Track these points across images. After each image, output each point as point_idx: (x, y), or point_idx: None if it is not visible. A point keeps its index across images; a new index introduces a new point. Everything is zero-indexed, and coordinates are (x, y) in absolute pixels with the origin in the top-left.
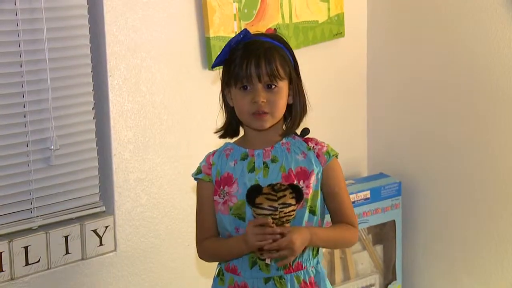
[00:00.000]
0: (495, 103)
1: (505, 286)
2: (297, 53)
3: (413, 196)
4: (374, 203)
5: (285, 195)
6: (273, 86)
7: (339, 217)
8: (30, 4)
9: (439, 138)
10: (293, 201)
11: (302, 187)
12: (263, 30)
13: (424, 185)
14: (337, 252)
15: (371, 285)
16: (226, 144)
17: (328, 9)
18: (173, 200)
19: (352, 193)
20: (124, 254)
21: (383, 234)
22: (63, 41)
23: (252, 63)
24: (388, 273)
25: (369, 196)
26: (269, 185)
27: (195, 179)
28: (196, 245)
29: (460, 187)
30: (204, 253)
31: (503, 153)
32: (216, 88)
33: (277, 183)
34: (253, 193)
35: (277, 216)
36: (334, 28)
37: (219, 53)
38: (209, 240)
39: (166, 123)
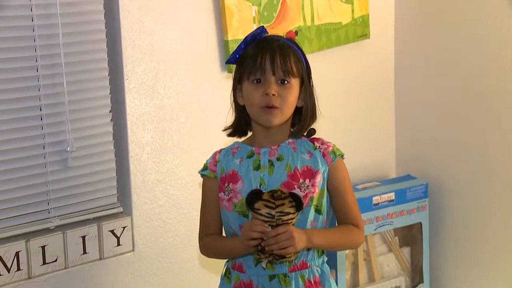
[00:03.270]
0: None
1: None
2: (320, 55)
3: (441, 198)
4: (399, 205)
5: (283, 204)
6: (286, 82)
7: (343, 218)
8: (46, 9)
9: (466, 140)
10: (292, 210)
11: (308, 187)
12: (284, 32)
13: (451, 187)
14: (361, 254)
15: (397, 287)
16: (235, 143)
17: (352, 10)
18: (190, 201)
19: (376, 195)
20: (142, 255)
21: (410, 236)
22: (80, 46)
23: (267, 56)
24: (416, 275)
25: (393, 198)
26: (270, 191)
27: (201, 175)
28: (198, 240)
29: (488, 189)
30: (206, 249)
31: None
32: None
33: (278, 190)
34: (253, 197)
35: (274, 224)
36: (359, 30)
37: (237, 50)
38: (211, 237)
39: (184, 126)
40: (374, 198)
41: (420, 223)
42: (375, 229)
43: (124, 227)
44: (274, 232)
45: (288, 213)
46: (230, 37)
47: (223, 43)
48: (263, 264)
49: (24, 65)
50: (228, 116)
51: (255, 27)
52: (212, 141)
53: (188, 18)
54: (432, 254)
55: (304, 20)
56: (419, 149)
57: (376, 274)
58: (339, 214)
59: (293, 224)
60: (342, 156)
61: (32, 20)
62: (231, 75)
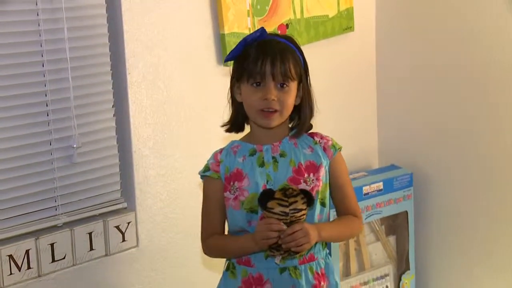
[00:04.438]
0: (509, 92)
1: None
2: (308, 48)
3: (425, 187)
4: (387, 194)
5: (296, 201)
6: (285, 86)
7: (343, 209)
8: (51, 4)
9: (449, 129)
10: (304, 206)
11: (313, 181)
12: (275, 25)
13: (435, 176)
14: (352, 244)
15: (386, 275)
16: (233, 142)
17: (338, 3)
18: (192, 195)
19: (365, 185)
20: (146, 250)
21: (396, 225)
22: (83, 41)
23: (267, 61)
24: (402, 263)
25: (382, 187)
26: (281, 190)
27: (202, 176)
28: (201, 241)
29: (472, 177)
30: (210, 250)
31: None
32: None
33: (289, 188)
34: (265, 197)
35: (288, 220)
36: (344, 22)
37: (232, 48)
38: (215, 237)
39: (183, 119)
40: (364, 188)
41: (406, 212)
42: (365, 218)
43: (128, 223)
44: (291, 230)
45: (301, 210)
46: (226, 30)
47: (219, 36)
48: (277, 260)
49: (30, 60)
50: (224, 112)
51: (249, 20)
52: (210, 134)
53: (185, 12)
54: (417, 242)
55: (294, 13)
56: (401, 139)
57: (366, 263)
58: (340, 206)
59: (304, 220)
60: (340, 149)
61: (38, 15)
62: (228, 69)
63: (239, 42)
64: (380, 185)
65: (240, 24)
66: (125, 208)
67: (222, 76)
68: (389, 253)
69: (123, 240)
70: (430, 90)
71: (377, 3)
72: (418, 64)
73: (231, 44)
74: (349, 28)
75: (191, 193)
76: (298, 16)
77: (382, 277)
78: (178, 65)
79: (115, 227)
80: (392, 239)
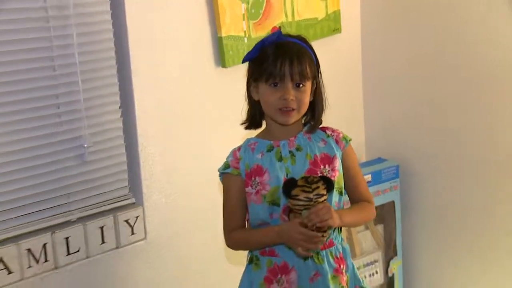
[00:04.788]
0: (491, 87)
1: (501, 264)
2: None
3: (411, 178)
4: (375, 185)
5: (318, 187)
6: (301, 85)
7: (357, 196)
8: (60, 11)
9: (433, 122)
10: (325, 191)
11: (329, 172)
12: (269, 28)
13: (420, 167)
14: (344, 233)
15: (375, 261)
16: (249, 140)
17: (326, 6)
18: (195, 190)
19: None
20: (153, 242)
21: (383, 214)
22: (91, 45)
23: (286, 62)
24: (389, 250)
25: (370, 179)
26: (302, 178)
27: (222, 173)
28: (224, 235)
29: (455, 168)
30: (234, 243)
31: (499, 135)
32: (227, 84)
33: (310, 176)
34: (289, 185)
35: (312, 206)
36: (332, 24)
37: (250, 50)
38: (239, 231)
39: (185, 118)
40: None
41: (393, 202)
42: None
43: (136, 217)
44: (315, 208)
45: (323, 195)
46: (223, 33)
47: (217, 39)
48: (306, 252)
49: (42, 65)
50: (242, 111)
51: (244, 23)
52: (210, 132)
53: (185, 17)
54: (404, 230)
55: (286, 16)
56: (387, 133)
57: (356, 250)
58: (354, 193)
59: None
60: (350, 141)
61: (48, 22)
62: (225, 70)
63: (256, 44)
64: (369, 177)
65: (236, 27)
66: (133, 203)
67: (218, 77)
68: (377, 241)
69: (132, 233)
70: (414, 87)
71: (362, 5)
72: (403, 62)
73: (228, 46)
74: (337, 29)
75: (194, 187)
76: (290, 19)
77: (371, 263)
78: (179, 66)
79: (125, 221)
80: (380, 227)
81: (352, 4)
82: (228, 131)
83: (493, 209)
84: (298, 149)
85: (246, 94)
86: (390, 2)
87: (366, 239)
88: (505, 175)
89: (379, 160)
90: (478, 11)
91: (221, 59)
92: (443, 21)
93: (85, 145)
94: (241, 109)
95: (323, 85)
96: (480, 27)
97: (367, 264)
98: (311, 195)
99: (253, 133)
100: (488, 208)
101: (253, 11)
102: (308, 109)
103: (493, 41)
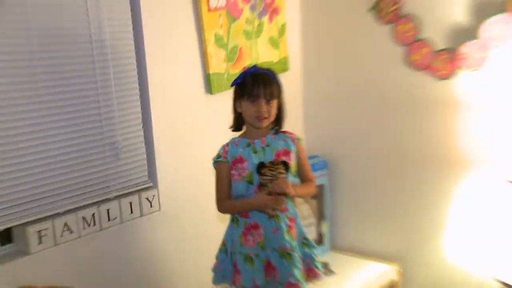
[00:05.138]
0: (391, 104)
1: (401, 226)
2: None
3: (335, 168)
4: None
5: (279, 167)
6: (270, 102)
7: (305, 177)
8: (103, 56)
9: (351, 130)
10: (284, 171)
11: (287, 161)
12: (241, 67)
13: (342, 161)
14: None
15: (311, 224)
16: (233, 138)
17: (279, 53)
18: (194, 177)
19: None
20: (165, 213)
21: (317, 193)
22: (122, 79)
23: (260, 86)
24: (321, 217)
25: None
26: (270, 162)
27: (216, 161)
28: (217, 203)
29: (368, 160)
30: (223, 209)
31: (398, 135)
32: (214, 105)
33: (274, 160)
34: (260, 166)
35: (275, 179)
36: (282, 66)
37: (238, 78)
38: (226, 201)
39: (185, 128)
40: None
41: (323, 184)
42: None
43: (153, 195)
44: (278, 181)
45: (282, 173)
46: (211, 71)
47: (206, 75)
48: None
49: (86, 87)
50: (224, 122)
51: (225, 64)
52: (202, 137)
53: (185, 62)
54: (332, 203)
55: (252, 59)
56: (319, 138)
57: (301, 216)
58: (303, 175)
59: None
60: (300, 140)
61: (93, 61)
62: (212, 96)
63: (240, 74)
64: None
65: (219, 67)
66: (151, 186)
67: (206, 101)
68: (313, 210)
69: (151, 206)
70: (343, 103)
71: (302, 53)
72: (331, 90)
73: (214, 80)
74: (286, 69)
75: (193, 175)
76: (255, 61)
77: (309, 225)
78: (181, 94)
79: (146, 198)
80: (314, 202)
81: (296, 52)
82: (215, 135)
83: (396, 187)
84: (267, 145)
85: (233, 108)
86: (323, 52)
87: (306, 209)
88: (404, 162)
89: (314, 156)
90: (378, 59)
91: (209, 88)
92: (358, 66)
93: (120, 147)
94: (224, 120)
95: (284, 103)
96: (381, 68)
97: (307, 226)
98: (274, 173)
99: (236, 134)
100: (392, 186)
101: (230, 56)
102: (276, 117)
103: (387, 79)
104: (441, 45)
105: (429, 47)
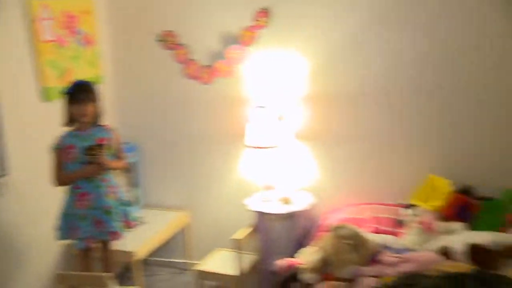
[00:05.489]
0: (176, 101)
1: (191, 186)
2: None
3: (144, 149)
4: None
5: (100, 147)
6: (90, 104)
7: (119, 156)
8: None
9: (155, 121)
10: (101, 149)
11: (104, 144)
12: (69, 81)
13: (149, 144)
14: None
15: (129, 190)
16: (65, 131)
17: (96, 71)
18: (39, 164)
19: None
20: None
21: (130, 166)
22: None
23: (82, 94)
24: (135, 184)
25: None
26: (93, 145)
27: (54, 148)
28: (53, 179)
29: (167, 144)
30: (62, 181)
31: (187, 124)
32: (50, 111)
33: (95, 144)
34: (87, 149)
35: (98, 156)
36: (98, 80)
37: (67, 89)
38: (61, 176)
39: (29, 128)
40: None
41: (136, 161)
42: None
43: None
44: (99, 156)
45: (102, 152)
46: (46, 84)
47: (42, 88)
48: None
49: None
50: (55, 123)
51: (56, 80)
52: (43, 131)
53: (24, 78)
54: (142, 174)
55: (76, 75)
56: (131, 127)
57: (120, 184)
58: (117, 155)
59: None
60: (114, 129)
61: None
62: (47, 103)
63: (70, 85)
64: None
65: (52, 81)
66: (4, 173)
67: (42, 106)
68: (128, 180)
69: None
70: (146, 103)
71: (113, 70)
72: (135, 92)
73: (49, 92)
74: (100, 82)
75: (38, 162)
76: (79, 77)
77: (126, 191)
78: (22, 99)
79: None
80: (129, 174)
81: (108, 70)
82: (49, 129)
83: (187, 160)
84: (90, 134)
85: (65, 109)
86: (127, 69)
87: (123, 179)
88: (191, 142)
89: (127, 142)
90: (165, 73)
91: (44, 97)
92: (151, 77)
93: None
94: (57, 120)
95: (101, 104)
96: (167, 79)
97: (124, 192)
98: (96, 152)
99: (69, 129)
100: (185, 160)
101: (60, 74)
102: (95, 115)
103: (170, 86)
104: (204, 63)
105: (197, 64)
